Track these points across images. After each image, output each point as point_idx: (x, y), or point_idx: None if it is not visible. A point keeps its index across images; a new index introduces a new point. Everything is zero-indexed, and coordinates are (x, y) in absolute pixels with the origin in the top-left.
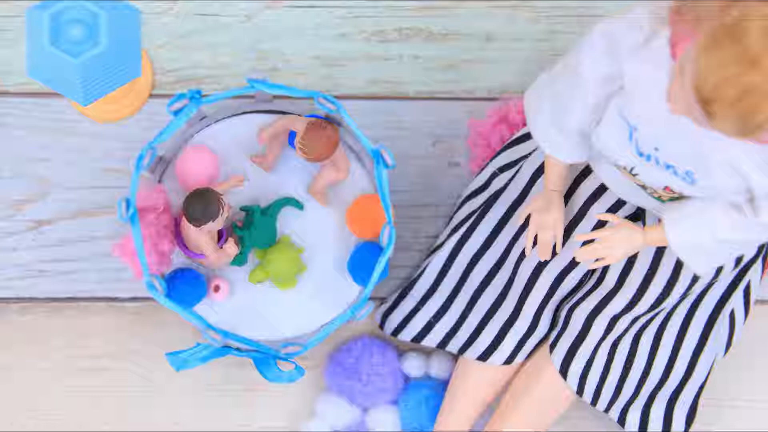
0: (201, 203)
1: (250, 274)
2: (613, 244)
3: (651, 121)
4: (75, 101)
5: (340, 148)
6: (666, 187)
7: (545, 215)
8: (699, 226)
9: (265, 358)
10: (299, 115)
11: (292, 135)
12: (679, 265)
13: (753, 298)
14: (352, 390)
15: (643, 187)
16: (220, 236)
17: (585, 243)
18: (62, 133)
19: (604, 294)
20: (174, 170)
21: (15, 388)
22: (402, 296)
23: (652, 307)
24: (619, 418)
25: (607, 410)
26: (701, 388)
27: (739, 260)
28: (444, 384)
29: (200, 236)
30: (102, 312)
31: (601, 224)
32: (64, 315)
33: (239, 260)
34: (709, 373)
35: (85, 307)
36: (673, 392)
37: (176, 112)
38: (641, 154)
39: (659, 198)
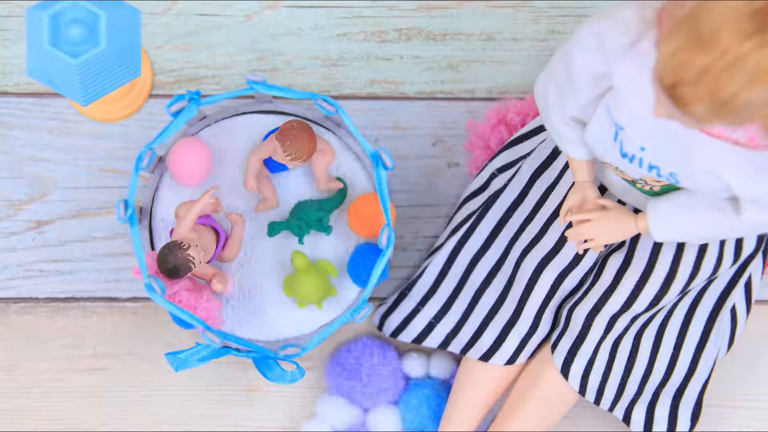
0: (167, 268)
1: (285, 288)
2: (597, 225)
3: (639, 121)
4: (75, 101)
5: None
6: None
7: (582, 210)
8: (682, 225)
9: (265, 358)
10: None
11: (267, 163)
12: (676, 263)
13: (755, 292)
14: (353, 390)
15: (633, 182)
16: (218, 237)
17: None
18: (62, 133)
19: (602, 292)
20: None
21: (15, 388)
22: (401, 297)
23: (651, 305)
24: (624, 417)
25: (611, 409)
26: (705, 384)
27: (738, 255)
28: (445, 384)
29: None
30: (102, 312)
31: None
32: (64, 315)
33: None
34: (712, 370)
35: (85, 307)
36: (677, 389)
37: (175, 114)
38: (624, 155)
39: (651, 190)
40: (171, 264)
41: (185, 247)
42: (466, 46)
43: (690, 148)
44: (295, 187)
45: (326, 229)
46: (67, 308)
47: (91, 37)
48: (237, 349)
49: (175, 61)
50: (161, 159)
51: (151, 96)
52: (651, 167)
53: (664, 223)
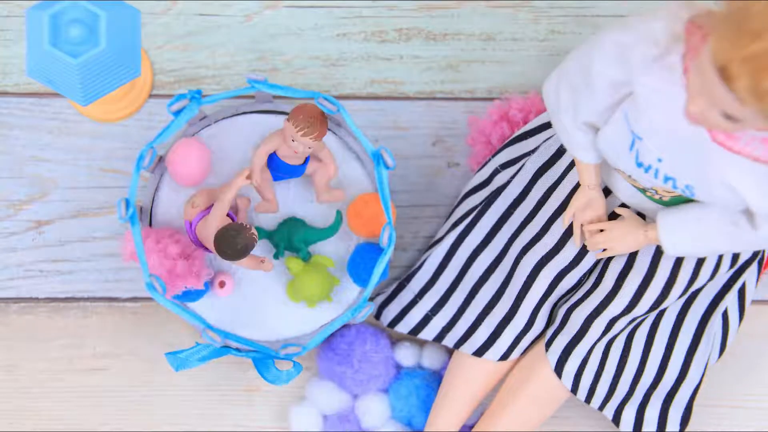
0: (236, 249)
1: (289, 294)
2: (614, 236)
3: (658, 132)
4: (75, 101)
5: (321, 143)
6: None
7: (587, 212)
8: (694, 236)
9: (264, 358)
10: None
11: (271, 169)
12: (677, 268)
13: (748, 300)
14: (343, 376)
15: (643, 190)
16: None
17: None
18: (62, 133)
19: (603, 296)
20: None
21: (15, 388)
22: (400, 288)
23: (651, 309)
24: (613, 417)
25: (601, 408)
26: (696, 389)
27: (734, 261)
28: (435, 375)
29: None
30: (102, 312)
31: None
32: (64, 315)
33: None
34: (703, 375)
35: (85, 307)
36: (668, 392)
37: (176, 113)
38: (640, 165)
39: (660, 199)
40: (240, 244)
41: (248, 227)
42: (466, 46)
43: (707, 161)
44: (294, 198)
45: (304, 257)
46: (67, 308)
47: (91, 37)
48: (237, 349)
49: (175, 61)
50: (161, 159)
51: (151, 96)
52: (667, 178)
53: (675, 232)
